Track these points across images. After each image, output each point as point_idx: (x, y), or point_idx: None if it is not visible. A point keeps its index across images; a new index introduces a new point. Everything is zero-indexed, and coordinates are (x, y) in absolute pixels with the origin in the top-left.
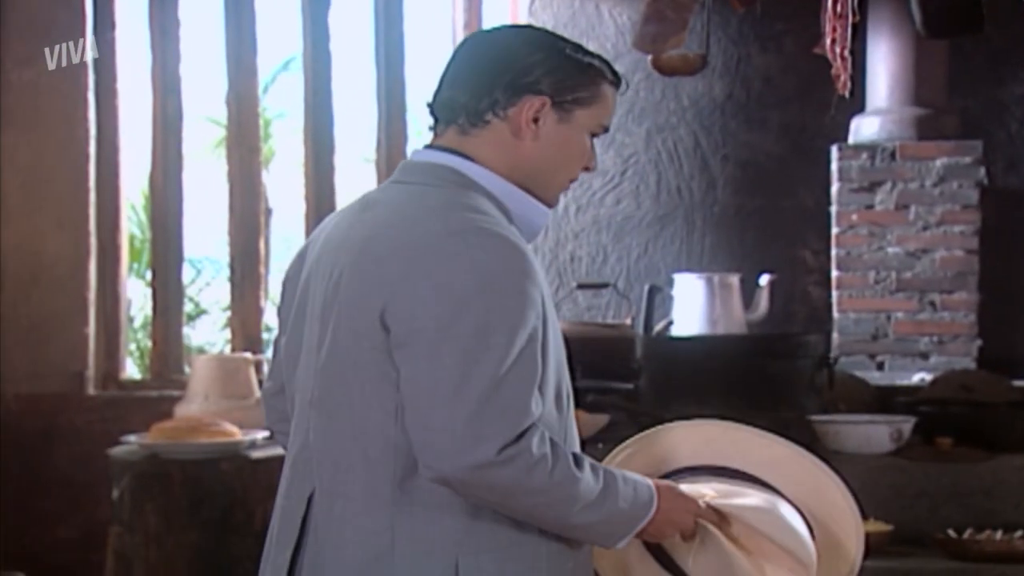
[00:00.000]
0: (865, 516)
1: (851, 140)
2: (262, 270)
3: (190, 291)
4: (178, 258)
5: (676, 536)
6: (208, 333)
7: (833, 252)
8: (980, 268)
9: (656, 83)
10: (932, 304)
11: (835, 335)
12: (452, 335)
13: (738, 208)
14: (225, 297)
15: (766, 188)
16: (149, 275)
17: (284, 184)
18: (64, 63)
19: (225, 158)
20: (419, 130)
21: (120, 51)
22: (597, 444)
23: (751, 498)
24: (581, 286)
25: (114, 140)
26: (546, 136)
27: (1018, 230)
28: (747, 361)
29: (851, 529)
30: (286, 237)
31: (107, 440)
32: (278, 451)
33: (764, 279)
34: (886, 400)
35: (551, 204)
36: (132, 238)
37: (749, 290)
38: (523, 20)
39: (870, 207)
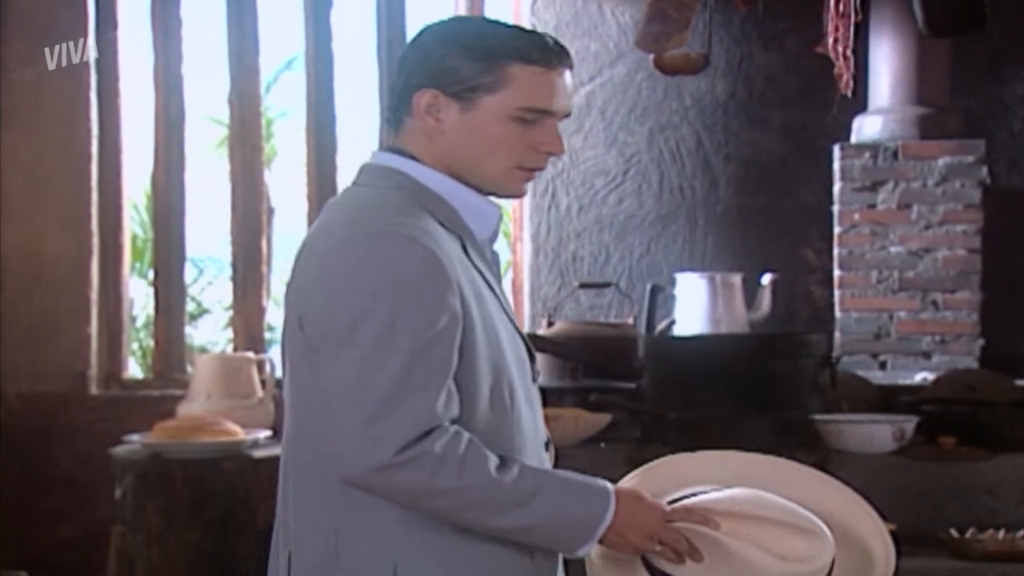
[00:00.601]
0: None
1: (853, 139)
2: (264, 269)
3: (192, 290)
4: (180, 257)
5: (674, 555)
6: (210, 332)
7: (835, 251)
8: (982, 267)
9: (658, 82)
10: (934, 303)
11: (837, 334)
12: (353, 340)
13: (740, 207)
14: (227, 296)
15: (768, 187)
16: (151, 274)
17: (286, 183)
18: (66, 62)
19: (227, 157)
20: None
21: (122, 50)
22: (599, 443)
23: (730, 491)
24: (583, 285)
25: (116, 139)
26: (452, 128)
27: (1020, 229)
28: (749, 361)
29: (882, 554)
30: (288, 236)
31: (109, 439)
32: (280, 450)
33: (766, 278)
34: (888, 399)
35: (503, 195)
36: (134, 237)
37: (751, 289)
38: (525, 20)
39: (872, 206)
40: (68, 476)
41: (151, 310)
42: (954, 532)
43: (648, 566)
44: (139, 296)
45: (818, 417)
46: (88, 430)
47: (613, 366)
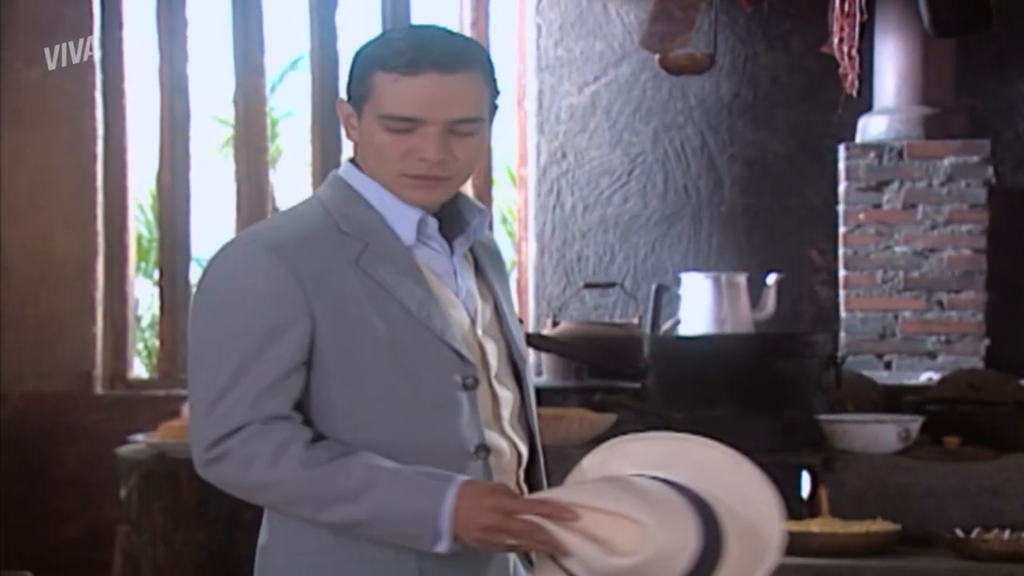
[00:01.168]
0: (872, 516)
1: (858, 139)
2: None
3: None
4: (186, 257)
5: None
6: None
7: (840, 251)
8: (988, 267)
9: (663, 82)
10: (940, 303)
11: (842, 334)
12: (192, 345)
13: (745, 207)
14: None
15: (773, 187)
16: (156, 274)
17: (291, 183)
18: (71, 62)
19: (232, 157)
20: None
21: (127, 50)
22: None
23: (596, 482)
24: (588, 285)
25: (121, 139)
26: (359, 137)
27: None
28: (754, 360)
29: (774, 528)
30: None
31: (114, 439)
32: None
33: (771, 278)
34: (893, 399)
35: (406, 201)
36: (139, 237)
37: (756, 289)
38: (530, 19)
39: (877, 206)
40: (73, 476)
41: (156, 310)
42: (959, 532)
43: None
44: (144, 296)
45: (823, 417)
46: (93, 430)
47: (618, 366)
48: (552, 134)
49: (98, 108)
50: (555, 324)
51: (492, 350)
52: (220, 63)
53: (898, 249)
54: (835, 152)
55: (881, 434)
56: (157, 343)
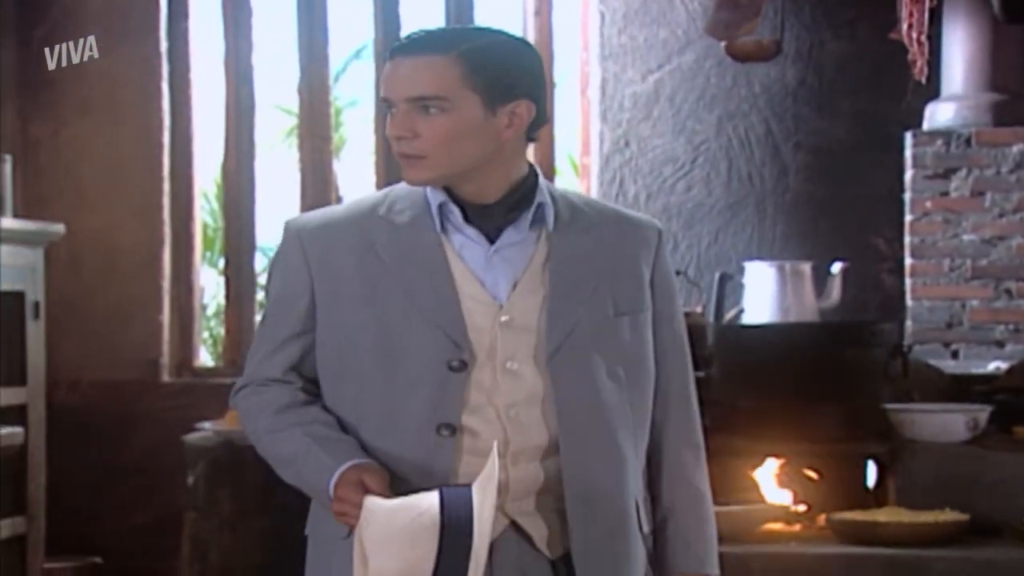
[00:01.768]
0: (940, 506)
1: (926, 126)
2: None
3: (262, 279)
4: (250, 246)
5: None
6: None
7: (907, 239)
8: None
9: (727, 70)
10: (1008, 292)
11: (908, 323)
12: None
13: (810, 195)
14: None
15: (838, 175)
16: (222, 264)
17: (355, 172)
18: (139, 53)
19: (296, 146)
20: None
21: (194, 41)
22: None
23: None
24: None
25: (187, 130)
26: None
27: None
28: (820, 349)
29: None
30: None
31: (181, 427)
32: None
33: (836, 267)
34: (961, 388)
35: (406, 180)
36: (204, 227)
37: (821, 278)
38: (593, 7)
39: (945, 194)
40: (141, 463)
41: (221, 299)
42: None
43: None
44: (209, 285)
45: (890, 406)
46: (161, 418)
47: None
48: (615, 122)
49: (165, 99)
50: None
51: (509, 340)
52: (285, 53)
53: (965, 237)
54: (901, 140)
55: (949, 423)
56: (222, 332)
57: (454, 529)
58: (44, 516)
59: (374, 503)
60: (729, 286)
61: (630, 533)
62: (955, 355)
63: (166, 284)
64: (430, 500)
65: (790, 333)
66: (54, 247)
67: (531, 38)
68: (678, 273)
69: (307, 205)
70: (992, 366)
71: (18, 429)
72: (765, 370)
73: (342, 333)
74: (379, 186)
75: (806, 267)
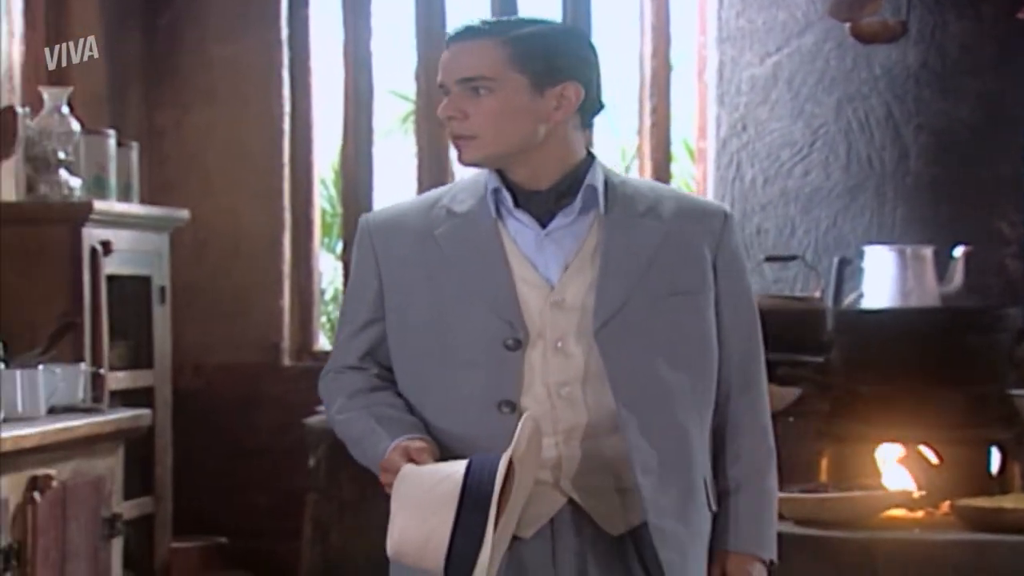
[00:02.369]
0: None
1: None
2: None
3: None
4: None
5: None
6: None
7: None
8: None
9: (847, 52)
10: None
11: None
12: None
13: (932, 179)
14: None
15: (961, 158)
16: (339, 249)
17: None
18: (261, 41)
19: (413, 132)
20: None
21: (314, 28)
22: (788, 418)
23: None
24: (769, 259)
25: (307, 116)
26: None
27: None
28: (943, 334)
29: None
30: None
31: (302, 409)
32: None
33: (959, 251)
34: None
35: (460, 162)
36: (322, 213)
37: (942, 262)
38: None
39: None
40: (264, 445)
41: (338, 284)
42: None
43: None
44: (327, 270)
45: (1014, 392)
46: (282, 400)
47: (800, 340)
48: (732, 106)
49: (286, 86)
50: None
51: (560, 320)
52: (402, 38)
53: None
54: None
55: None
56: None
57: (474, 496)
58: (171, 497)
59: (408, 467)
60: (848, 271)
61: (699, 508)
62: None
63: (286, 269)
64: (457, 467)
65: (912, 318)
66: (179, 232)
67: (647, 21)
68: (794, 258)
69: (423, 190)
70: None
71: (146, 411)
72: (886, 355)
73: (405, 318)
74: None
75: (927, 251)
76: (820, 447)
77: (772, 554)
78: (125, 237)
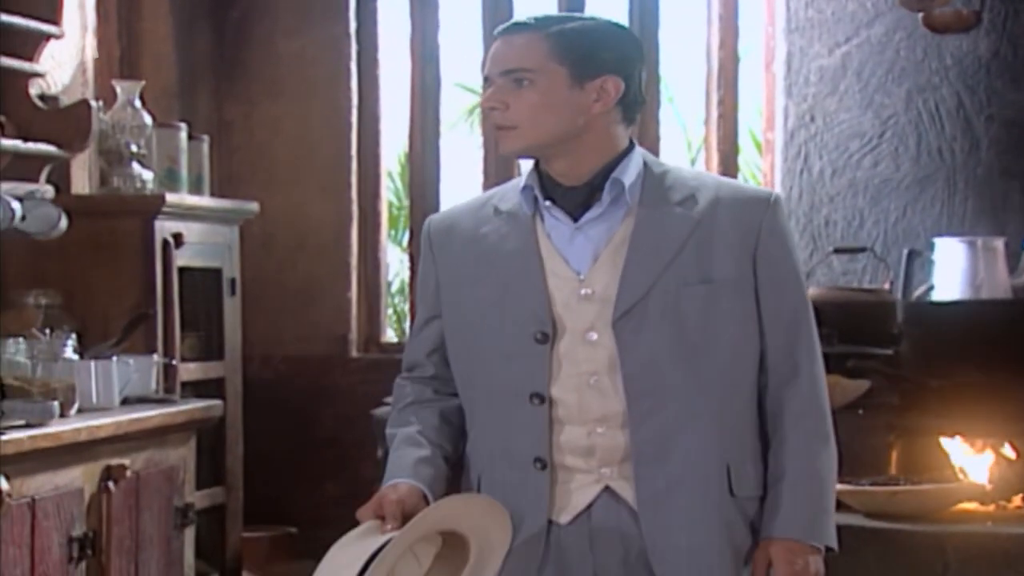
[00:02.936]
0: None
1: None
2: None
3: None
4: None
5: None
6: None
7: None
8: None
9: (918, 42)
10: None
11: None
12: None
13: (1003, 170)
14: None
15: None
16: (405, 241)
17: None
18: (329, 34)
19: (479, 125)
20: (670, 95)
21: (381, 21)
22: (858, 410)
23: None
24: (837, 251)
25: (375, 109)
26: None
27: None
28: (1013, 326)
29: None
30: None
31: (370, 400)
32: None
33: None
34: None
35: (501, 151)
36: (389, 205)
37: (1014, 254)
38: None
39: None
40: (332, 436)
41: (404, 276)
42: None
43: None
44: (393, 263)
45: None
46: (350, 392)
47: (870, 332)
48: (800, 97)
49: (353, 79)
50: None
51: (589, 311)
52: (469, 31)
53: None
54: None
55: None
56: (406, 308)
57: None
58: (242, 487)
59: (342, 540)
60: (918, 262)
61: (708, 493)
62: None
63: (354, 261)
64: (355, 559)
65: (983, 310)
66: (247, 225)
67: (715, 12)
68: (863, 249)
69: (489, 183)
70: None
71: (217, 402)
72: (956, 348)
73: (455, 315)
74: None
75: (999, 243)
76: (890, 440)
77: (825, 540)
78: (196, 230)
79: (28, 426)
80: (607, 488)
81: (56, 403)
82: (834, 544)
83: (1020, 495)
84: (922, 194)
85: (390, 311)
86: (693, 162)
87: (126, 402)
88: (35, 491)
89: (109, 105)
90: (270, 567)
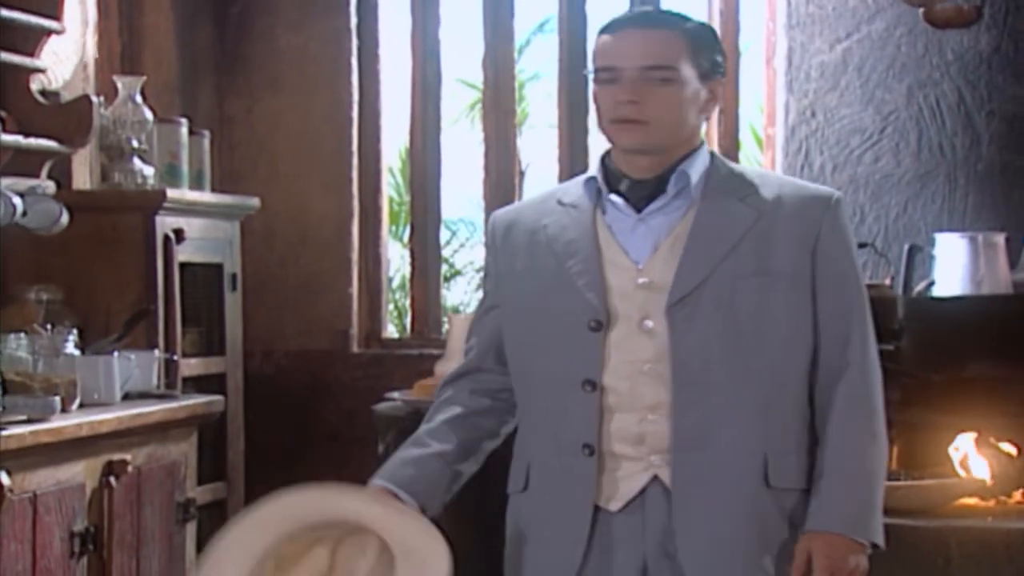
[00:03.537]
0: None
1: None
2: None
3: (445, 252)
4: (435, 220)
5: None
6: (461, 294)
7: None
8: None
9: (919, 37)
10: None
11: None
12: None
13: (1004, 165)
14: (479, 258)
15: None
16: (407, 237)
17: (538, 146)
18: (329, 29)
19: (480, 120)
20: None
21: (382, 16)
22: None
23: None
24: None
25: (376, 105)
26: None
27: None
28: (1014, 321)
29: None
30: None
31: (371, 396)
32: None
33: None
34: None
35: (620, 144)
36: (390, 200)
37: (1015, 249)
38: None
39: None
40: (333, 431)
41: (405, 272)
42: None
43: None
44: (394, 258)
45: None
46: (351, 387)
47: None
48: (801, 92)
49: (354, 74)
50: None
51: (646, 300)
52: (470, 27)
53: None
54: None
55: None
56: (407, 304)
57: None
58: (243, 482)
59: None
60: (918, 258)
61: (741, 482)
62: None
63: (354, 257)
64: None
65: (984, 305)
66: (248, 220)
67: (717, 8)
68: (864, 245)
69: (490, 179)
70: None
71: (219, 397)
72: (957, 343)
73: (512, 304)
74: (561, 159)
75: (999, 239)
76: (891, 435)
77: (869, 536)
78: (197, 225)
79: (29, 421)
80: (655, 477)
81: (57, 398)
82: (880, 541)
83: (1021, 490)
84: (923, 190)
85: (391, 307)
86: None
87: (127, 397)
88: (37, 486)
89: (110, 100)
90: None
